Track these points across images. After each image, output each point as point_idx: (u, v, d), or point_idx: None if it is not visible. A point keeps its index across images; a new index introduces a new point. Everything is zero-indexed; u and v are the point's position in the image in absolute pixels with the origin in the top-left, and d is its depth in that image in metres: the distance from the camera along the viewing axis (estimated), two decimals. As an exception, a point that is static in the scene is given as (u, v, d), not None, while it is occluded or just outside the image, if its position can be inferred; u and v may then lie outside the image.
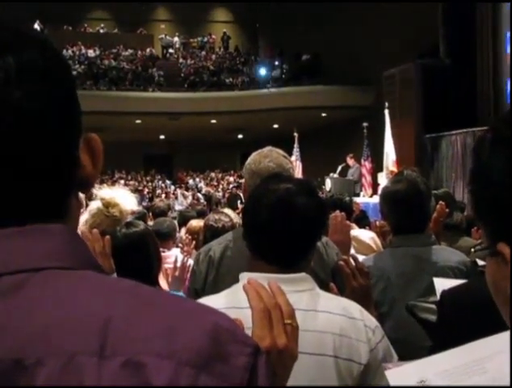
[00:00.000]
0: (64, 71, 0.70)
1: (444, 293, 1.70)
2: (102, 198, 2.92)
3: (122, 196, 3.00)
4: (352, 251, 3.14)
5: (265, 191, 1.72)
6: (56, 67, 0.68)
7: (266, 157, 2.38)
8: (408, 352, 1.72)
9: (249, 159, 2.43)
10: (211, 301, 1.63)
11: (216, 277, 2.31)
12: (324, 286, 1.77)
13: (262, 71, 25.03)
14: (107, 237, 2.28)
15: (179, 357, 0.55)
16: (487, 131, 0.79)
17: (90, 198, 3.10)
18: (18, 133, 0.62)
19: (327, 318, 1.58)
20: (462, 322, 1.51)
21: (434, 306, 1.86)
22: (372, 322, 1.63)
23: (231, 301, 1.59)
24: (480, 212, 0.79)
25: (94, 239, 2.23)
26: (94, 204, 2.94)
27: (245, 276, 1.61)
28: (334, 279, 2.21)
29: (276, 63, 25.83)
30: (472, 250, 0.87)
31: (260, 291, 1.22)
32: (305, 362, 1.48)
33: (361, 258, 2.62)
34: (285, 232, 1.65)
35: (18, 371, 0.54)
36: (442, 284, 1.86)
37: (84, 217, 2.90)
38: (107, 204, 2.90)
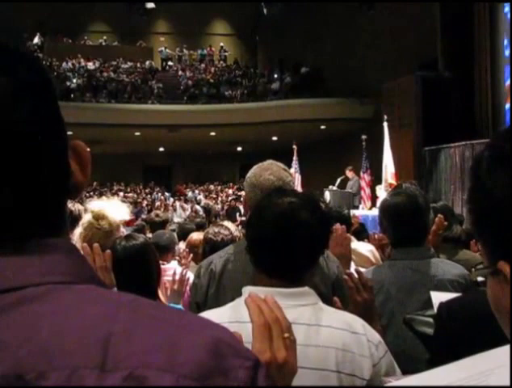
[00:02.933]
0: (49, 86, 0.72)
1: (442, 306, 1.70)
2: (91, 211, 2.91)
3: (111, 208, 2.97)
4: (352, 264, 3.14)
5: (268, 205, 1.72)
6: (47, 82, 0.71)
7: (266, 170, 2.38)
8: (407, 364, 1.73)
9: (250, 172, 2.43)
10: (214, 314, 1.64)
11: (217, 290, 2.30)
12: (324, 299, 1.77)
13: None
14: (108, 251, 2.28)
15: (180, 370, 0.55)
16: (485, 149, 0.79)
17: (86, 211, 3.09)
18: (18, 148, 0.63)
19: (330, 332, 1.58)
20: (459, 334, 1.52)
21: (431, 320, 1.86)
22: (375, 337, 1.63)
23: (233, 316, 1.59)
24: (479, 230, 0.79)
25: (95, 254, 2.23)
26: (86, 218, 2.92)
27: (247, 290, 1.62)
28: (335, 292, 2.21)
29: (275, 75, 25.90)
30: (473, 270, 0.86)
31: (261, 305, 1.22)
32: (308, 377, 1.48)
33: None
34: (288, 246, 1.65)
35: (19, 386, 0.54)
36: (438, 297, 1.86)
37: (78, 231, 2.89)
38: (97, 217, 2.88)
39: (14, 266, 0.61)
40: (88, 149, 0.76)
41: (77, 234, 2.87)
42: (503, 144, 0.76)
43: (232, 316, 1.60)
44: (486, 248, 0.78)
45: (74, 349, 0.56)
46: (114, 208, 2.99)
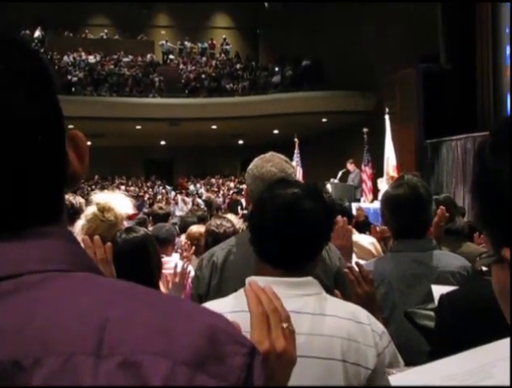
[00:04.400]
0: (49, 74, 0.71)
1: (442, 297, 1.70)
2: (97, 203, 2.92)
3: (116, 200, 2.99)
4: (353, 256, 3.14)
5: (271, 196, 1.73)
6: (44, 71, 0.70)
7: (268, 161, 2.39)
8: (409, 356, 1.72)
9: (252, 164, 2.44)
10: (219, 304, 1.66)
11: (219, 282, 2.31)
12: (326, 291, 1.77)
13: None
14: (109, 244, 2.27)
15: (176, 356, 0.55)
16: (488, 136, 0.78)
17: (89, 204, 3.09)
18: (17, 137, 0.63)
19: (335, 322, 1.59)
20: (460, 325, 1.51)
21: (432, 313, 1.85)
22: (379, 327, 1.65)
23: (238, 305, 1.59)
24: (484, 218, 0.78)
25: (96, 246, 2.22)
26: (90, 210, 2.93)
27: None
28: (337, 284, 2.21)
29: (276, 69, 25.88)
30: (478, 258, 0.85)
31: (260, 295, 1.22)
32: (313, 366, 1.50)
33: (361, 263, 2.61)
34: (292, 236, 1.66)
35: (16, 372, 0.54)
36: (439, 291, 1.86)
37: (80, 223, 2.89)
38: (102, 209, 2.89)
39: (12, 253, 0.61)
40: (88, 143, 0.75)
41: (78, 227, 2.87)
42: (506, 131, 0.75)
43: (236, 305, 1.60)
44: (491, 236, 0.78)
45: (70, 335, 0.56)
46: (119, 201, 3.00)
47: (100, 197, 2.96)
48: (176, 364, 0.55)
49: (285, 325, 1.21)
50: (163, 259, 3.20)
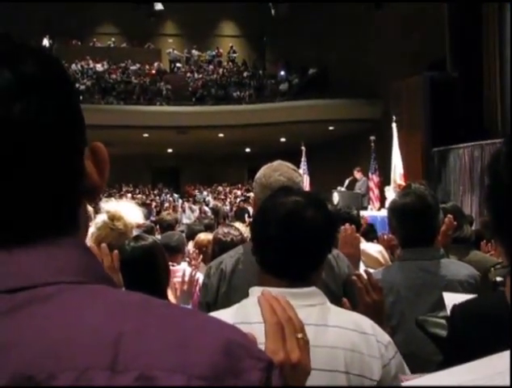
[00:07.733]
0: (65, 82, 0.69)
1: (455, 307, 1.69)
2: (107, 211, 2.93)
3: (127, 209, 3.00)
4: (361, 265, 3.13)
5: (273, 205, 1.70)
6: (56, 78, 0.68)
7: (276, 170, 2.38)
8: (417, 366, 1.71)
9: (260, 173, 2.42)
10: (220, 316, 1.60)
11: (227, 290, 2.29)
12: (335, 299, 1.75)
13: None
14: (116, 251, 2.27)
15: (191, 371, 0.54)
16: (502, 145, 0.77)
17: (97, 212, 3.10)
18: (21, 147, 0.61)
19: (338, 333, 1.55)
20: (473, 336, 1.50)
21: (444, 321, 1.84)
22: (385, 337, 1.61)
23: (240, 316, 1.57)
24: (498, 228, 0.77)
25: (103, 254, 2.23)
26: (100, 218, 2.94)
27: (254, 291, 1.61)
28: (345, 292, 2.19)
29: (283, 75, 25.91)
30: (492, 269, 0.84)
31: (274, 304, 1.21)
32: (317, 378, 1.44)
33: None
34: (294, 245, 1.63)
35: (29, 386, 0.53)
36: (451, 298, 1.85)
37: (90, 230, 2.90)
38: (112, 218, 2.90)
39: (25, 265, 0.60)
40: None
41: (88, 234, 2.88)
42: None
43: (237, 317, 1.57)
44: (505, 246, 0.76)
45: (84, 350, 0.55)
46: (129, 211, 3.01)
47: (111, 205, 2.97)
48: (192, 379, 0.54)
49: (299, 335, 1.19)
50: (173, 268, 3.20)
